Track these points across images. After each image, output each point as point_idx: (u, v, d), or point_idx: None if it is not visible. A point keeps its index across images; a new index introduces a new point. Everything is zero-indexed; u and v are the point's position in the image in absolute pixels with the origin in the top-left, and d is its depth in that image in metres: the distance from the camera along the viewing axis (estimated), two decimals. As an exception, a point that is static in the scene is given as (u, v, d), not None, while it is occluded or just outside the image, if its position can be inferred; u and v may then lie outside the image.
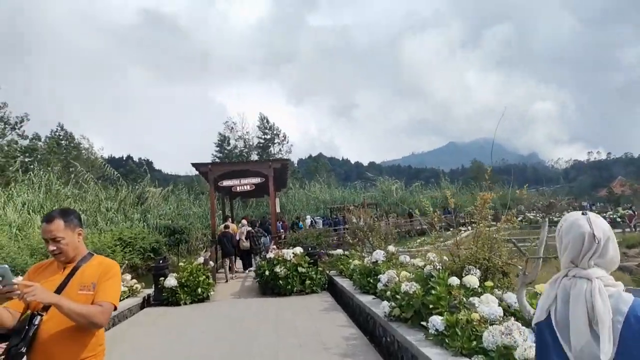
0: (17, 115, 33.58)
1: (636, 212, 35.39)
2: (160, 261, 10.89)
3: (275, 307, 9.05)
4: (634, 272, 17.49)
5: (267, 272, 10.60)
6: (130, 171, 57.00)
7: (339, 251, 12.43)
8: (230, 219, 16.64)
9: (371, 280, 7.91)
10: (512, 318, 4.19)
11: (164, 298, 10.27)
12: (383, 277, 6.89)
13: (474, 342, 4.07)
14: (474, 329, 4.14)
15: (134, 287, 10.80)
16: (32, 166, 30.55)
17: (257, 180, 13.81)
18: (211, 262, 11.42)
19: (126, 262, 13.35)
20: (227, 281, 13.06)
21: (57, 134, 49.00)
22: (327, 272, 11.28)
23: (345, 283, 9.54)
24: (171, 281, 10.24)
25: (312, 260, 10.93)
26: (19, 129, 33.65)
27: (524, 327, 3.58)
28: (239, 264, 15.16)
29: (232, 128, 50.55)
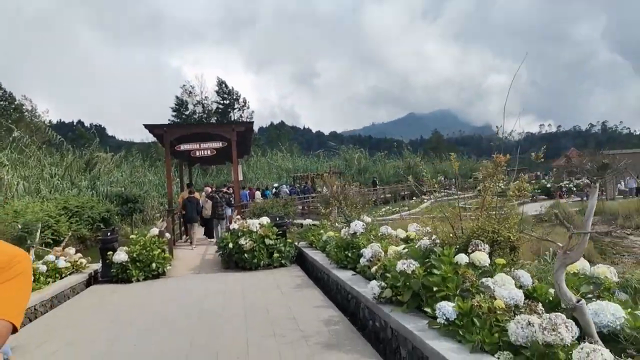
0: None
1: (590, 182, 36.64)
2: (108, 233, 9.64)
3: (241, 284, 8.11)
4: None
5: (230, 245, 9.61)
6: (80, 136, 53.40)
7: (308, 221, 11.57)
8: (191, 188, 15.35)
9: (349, 255, 7.10)
10: (539, 303, 3.45)
11: (113, 275, 9.11)
12: (366, 252, 6.06)
13: (495, 335, 3.31)
14: (496, 319, 3.38)
15: (78, 262, 9.56)
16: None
17: (218, 144, 12.57)
18: (167, 234, 10.27)
19: (70, 233, 11.94)
20: (192, 248, 12.56)
21: (-5, 93, 44.82)
22: (296, 243, 10.41)
23: (317, 257, 8.72)
24: (121, 255, 9.07)
25: (280, 232, 10.02)
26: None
27: (570, 321, 2.83)
28: (200, 232, 14.23)
29: (190, 92, 47.89)
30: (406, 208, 29.23)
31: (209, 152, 12.55)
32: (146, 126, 12.09)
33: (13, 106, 43.72)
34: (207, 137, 12.76)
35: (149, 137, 40.99)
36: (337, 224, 10.50)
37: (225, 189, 16.39)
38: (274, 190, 22.83)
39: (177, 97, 50.94)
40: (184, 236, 15.33)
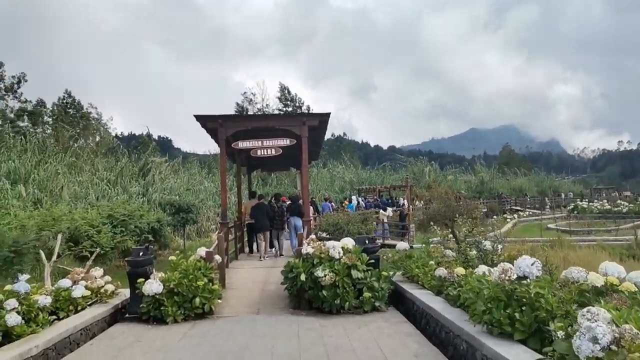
0: (12, 74, 30.25)
1: None
2: (140, 252, 7.16)
3: (323, 344, 5.25)
4: None
5: (303, 277, 6.81)
6: (144, 146, 53.73)
7: (402, 245, 8.55)
8: (257, 196, 12.79)
9: (516, 316, 4.05)
10: None
11: (143, 311, 6.59)
12: (598, 330, 2.98)
13: None
14: None
15: (102, 290, 7.16)
16: (32, 131, 27.39)
17: (285, 142, 9.92)
18: (217, 257, 7.65)
19: (98, 250, 9.71)
20: (262, 259, 11.24)
21: (65, 101, 45.80)
22: (390, 275, 7.43)
23: (436, 304, 5.73)
24: (153, 286, 6.52)
25: (372, 260, 7.10)
26: (14, 91, 30.32)
27: None
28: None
29: (251, 100, 46.60)
30: (490, 228, 25.44)
31: (273, 151, 9.92)
32: (198, 117, 9.69)
33: (79, 114, 44.36)
34: (272, 133, 10.17)
35: (212, 148, 39.64)
36: (449, 252, 7.42)
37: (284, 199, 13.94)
38: (354, 202, 20.27)
39: (237, 104, 49.87)
40: (246, 249, 13.09)
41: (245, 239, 13.10)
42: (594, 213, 33.65)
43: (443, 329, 5.33)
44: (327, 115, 9.84)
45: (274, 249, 11.98)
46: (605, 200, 38.33)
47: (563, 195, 48.87)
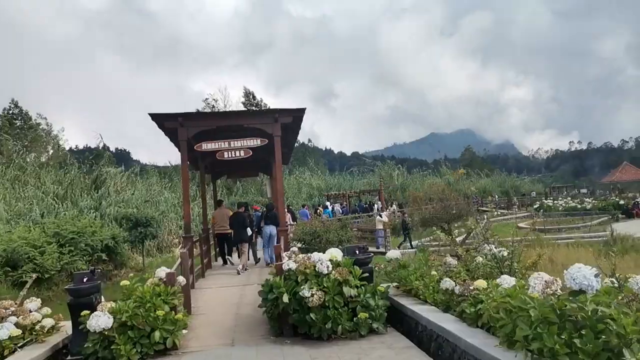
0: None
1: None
2: (85, 278, 5.82)
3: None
4: None
5: (285, 298, 5.69)
6: (100, 158, 50.77)
7: (395, 253, 7.56)
8: (223, 204, 11.84)
9: (577, 343, 3.12)
10: None
11: (89, 352, 5.28)
12: None
13: None
14: None
15: (37, 327, 5.79)
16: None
17: (255, 142, 8.78)
18: (180, 279, 6.40)
19: (34, 276, 8.23)
20: (239, 272, 10.27)
21: (10, 112, 42.62)
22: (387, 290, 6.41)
23: (450, 325, 4.76)
24: (101, 320, 5.23)
25: (365, 273, 6.07)
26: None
27: None
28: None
29: (214, 106, 44.80)
30: (462, 230, 25.07)
31: (242, 152, 8.74)
32: (154, 116, 8.40)
33: (27, 125, 41.37)
34: (239, 133, 9.01)
35: (173, 159, 37.68)
36: (451, 259, 6.50)
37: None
38: (330, 208, 19.26)
39: (197, 110, 47.74)
40: (213, 262, 12.16)
41: (213, 253, 11.90)
42: (560, 211, 34.15)
43: (465, 356, 4.35)
44: (302, 110, 8.79)
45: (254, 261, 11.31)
46: (569, 198, 39.12)
47: (533, 194, 49.76)
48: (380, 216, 18.89)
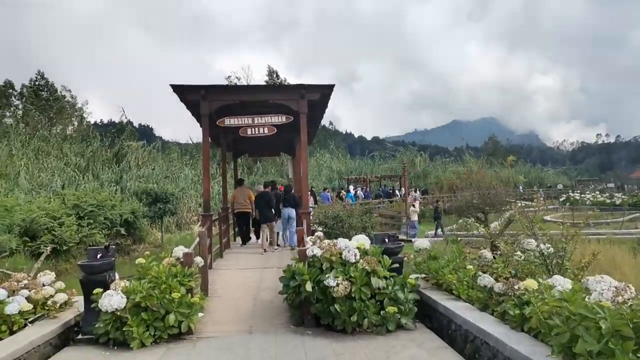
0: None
1: None
2: (99, 254, 5.53)
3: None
4: None
5: (308, 287, 5.31)
6: (123, 133, 51.11)
7: (424, 242, 7.08)
8: (244, 184, 11.66)
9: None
10: None
11: (100, 332, 5.02)
12: None
13: None
14: None
15: (50, 302, 5.54)
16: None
17: (280, 119, 8.34)
18: (198, 259, 6.07)
19: (78, 240, 8.03)
20: (264, 251, 10.31)
21: (37, 83, 43.05)
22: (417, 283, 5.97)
23: (489, 326, 4.30)
24: (113, 300, 4.95)
25: (395, 264, 5.63)
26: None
27: None
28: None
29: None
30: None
31: (265, 129, 8.31)
32: (175, 87, 8.01)
33: (52, 97, 41.75)
34: (264, 109, 8.58)
35: (195, 136, 37.39)
36: (486, 252, 6.00)
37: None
38: (352, 192, 18.87)
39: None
40: (232, 242, 12.20)
41: (232, 232, 11.66)
42: (587, 205, 32.94)
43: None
44: (331, 87, 8.28)
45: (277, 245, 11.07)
46: (597, 192, 37.74)
47: (559, 187, 48.33)
48: (414, 206, 18.34)
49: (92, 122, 48.68)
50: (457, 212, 7.09)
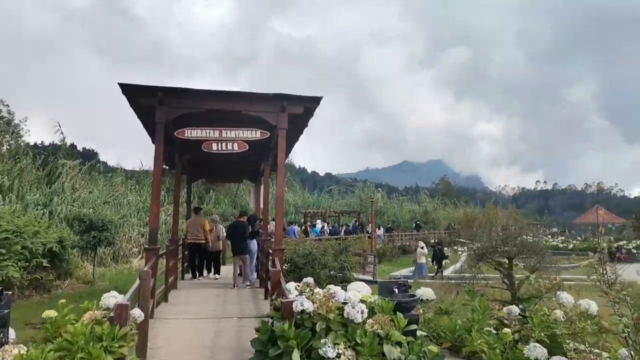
0: None
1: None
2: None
3: None
4: None
5: (295, 356, 3.73)
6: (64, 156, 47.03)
7: (428, 292, 5.69)
8: (200, 212, 10.23)
9: None
10: None
11: None
12: None
13: None
14: None
15: None
16: None
17: (255, 134, 6.86)
18: (136, 312, 4.30)
19: None
20: (234, 286, 9.45)
21: (-34, 95, 38.95)
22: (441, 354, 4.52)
23: None
24: (-6, 381, 3.14)
25: (412, 325, 4.19)
26: None
27: None
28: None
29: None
30: (448, 262, 23.61)
31: (235, 146, 6.77)
32: (125, 88, 6.35)
33: (-16, 110, 37.83)
34: (234, 122, 7.08)
35: (144, 162, 34.73)
36: (512, 308, 4.71)
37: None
38: (319, 226, 17.34)
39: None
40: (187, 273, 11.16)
41: (181, 268, 9.81)
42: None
43: None
44: (317, 100, 6.92)
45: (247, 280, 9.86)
46: (549, 236, 38.42)
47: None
48: (422, 247, 17.06)
49: (32, 143, 44.72)
50: (479, 258, 5.86)
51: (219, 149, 6.72)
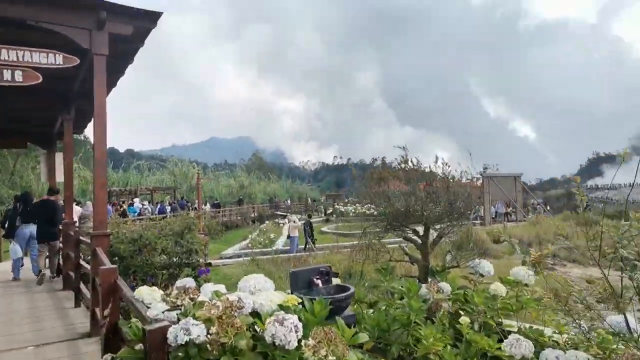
0: None
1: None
2: None
3: None
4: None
5: None
6: None
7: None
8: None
9: None
10: None
11: None
12: None
13: None
14: None
15: None
16: None
17: (54, 59, 4.36)
18: None
19: None
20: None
21: None
22: None
23: None
24: None
25: (357, 337, 2.79)
26: None
27: None
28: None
29: None
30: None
31: (19, 76, 4.19)
32: None
33: None
34: (20, 37, 4.43)
35: None
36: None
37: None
38: (138, 205, 14.22)
39: None
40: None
41: None
42: (351, 216, 36.01)
43: None
44: (154, 17, 4.76)
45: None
46: (358, 204, 42.00)
47: (322, 200, 52.16)
48: (295, 221, 17.08)
49: None
50: (393, 224, 4.76)
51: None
